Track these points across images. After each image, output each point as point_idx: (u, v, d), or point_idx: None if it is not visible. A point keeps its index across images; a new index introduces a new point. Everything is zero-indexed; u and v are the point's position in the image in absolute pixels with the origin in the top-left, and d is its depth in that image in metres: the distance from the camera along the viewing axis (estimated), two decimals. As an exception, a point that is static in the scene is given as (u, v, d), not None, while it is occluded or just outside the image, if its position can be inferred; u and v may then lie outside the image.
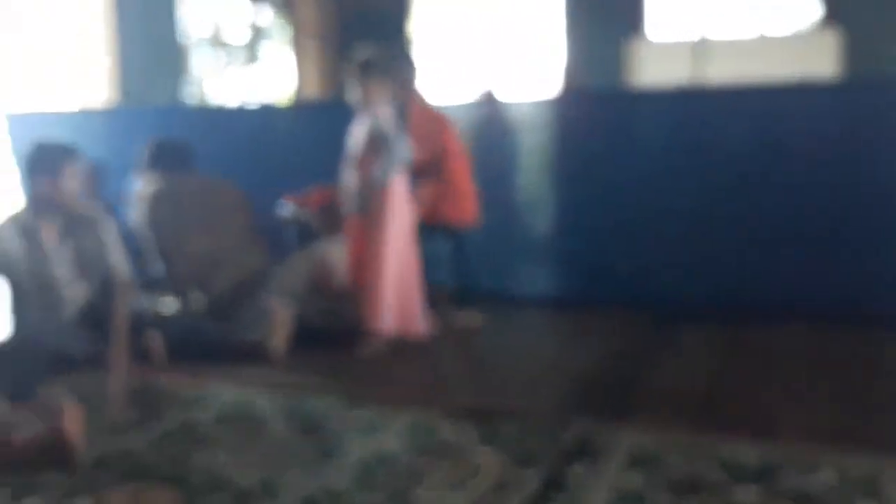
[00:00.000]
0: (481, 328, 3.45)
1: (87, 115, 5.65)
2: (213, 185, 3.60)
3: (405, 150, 3.16)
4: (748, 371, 2.81)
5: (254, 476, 1.87)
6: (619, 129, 3.90)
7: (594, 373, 2.84)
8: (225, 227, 3.44)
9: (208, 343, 3.10)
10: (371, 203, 3.11)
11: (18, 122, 5.40)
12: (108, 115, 5.59)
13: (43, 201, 2.90)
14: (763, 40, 8.24)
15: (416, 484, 1.81)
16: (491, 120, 4.28)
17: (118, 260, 3.05)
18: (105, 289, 3.03)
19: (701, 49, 7.96)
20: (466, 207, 3.58)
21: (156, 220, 3.42)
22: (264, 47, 7.76)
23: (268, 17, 7.79)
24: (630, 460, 1.94)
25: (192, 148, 3.63)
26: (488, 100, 4.78)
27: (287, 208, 3.74)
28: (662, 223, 3.77)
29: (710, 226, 3.66)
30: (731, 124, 3.66)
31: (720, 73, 7.44)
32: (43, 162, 2.86)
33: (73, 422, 1.88)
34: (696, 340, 3.23)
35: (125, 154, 4.69)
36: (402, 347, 3.15)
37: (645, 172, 3.82)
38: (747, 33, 8.25)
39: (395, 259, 3.13)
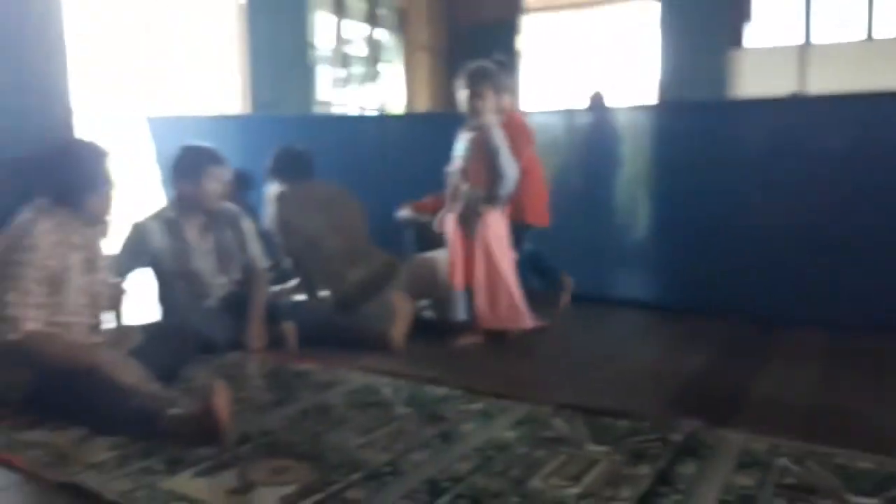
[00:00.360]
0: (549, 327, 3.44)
1: (221, 121, 5.96)
2: (334, 190, 3.72)
3: (513, 169, 3.18)
4: (859, 381, 2.67)
5: (382, 456, 1.93)
6: (719, 136, 3.79)
7: (701, 376, 2.77)
8: (347, 229, 3.56)
9: (334, 332, 3.20)
10: (476, 221, 3.19)
11: (158, 125, 5.75)
12: (240, 122, 5.87)
13: (187, 201, 3.09)
14: (869, 43, 7.77)
15: (533, 474, 1.83)
16: (599, 122, 4.26)
17: (254, 253, 3.24)
18: (244, 279, 3.23)
19: (805, 53, 7.58)
20: (542, 210, 3.71)
21: (285, 222, 3.58)
22: (381, 61, 7.95)
23: (384, 33, 7.97)
24: (741, 463, 1.89)
25: (311, 156, 3.75)
26: (597, 101, 4.76)
27: (405, 212, 3.85)
28: (767, 231, 3.65)
29: (819, 234, 3.51)
30: (834, 132, 3.49)
31: (825, 77, 7.07)
32: (189, 164, 3.04)
33: (222, 401, 1.98)
34: (805, 348, 3.11)
35: (256, 159, 4.95)
36: (503, 344, 3.18)
37: (747, 180, 3.70)
38: (852, 36, 7.79)
39: (493, 260, 3.18)
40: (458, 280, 3.21)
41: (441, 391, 2.49)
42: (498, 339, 3.23)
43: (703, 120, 3.92)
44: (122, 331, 2.61)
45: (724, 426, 2.13)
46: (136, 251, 3.03)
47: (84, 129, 4.86)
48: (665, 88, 7.62)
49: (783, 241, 3.58)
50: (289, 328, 3.09)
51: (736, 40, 7.71)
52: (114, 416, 2.07)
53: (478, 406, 2.33)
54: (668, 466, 1.87)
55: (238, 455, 1.95)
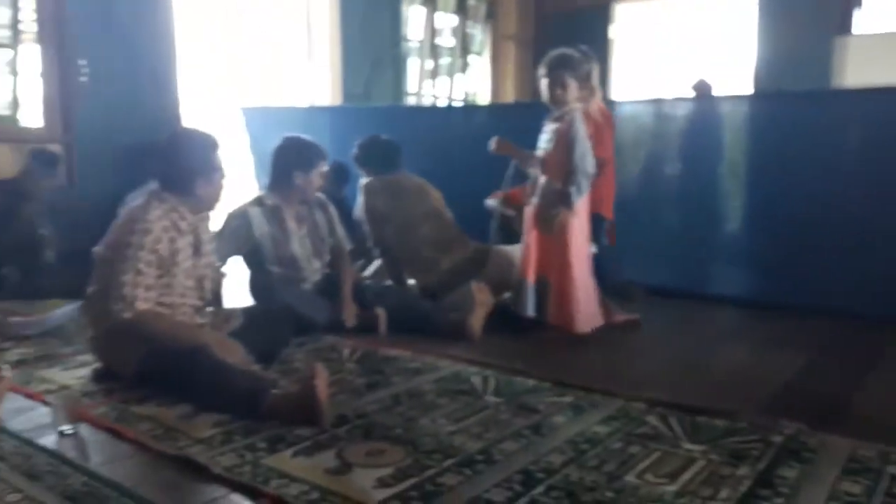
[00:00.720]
0: (641, 324, 3.36)
1: (312, 112, 6.11)
2: (416, 180, 3.73)
3: (588, 163, 3.07)
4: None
5: (474, 444, 1.94)
6: (822, 126, 3.62)
7: (802, 376, 2.66)
8: (436, 217, 3.60)
9: (413, 318, 3.24)
10: (552, 218, 3.11)
11: (251, 115, 5.95)
12: (330, 112, 6.00)
13: (294, 190, 3.20)
14: None
15: (627, 469, 1.80)
16: (698, 111, 4.13)
17: (341, 236, 3.35)
18: (334, 261, 3.33)
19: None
20: (610, 204, 3.63)
21: (373, 211, 3.64)
22: (469, 52, 7.95)
23: (473, 24, 7.96)
24: (847, 469, 1.80)
25: (397, 146, 3.77)
26: (702, 89, 4.63)
27: (493, 203, 3.84)
28: (874, 225, 3.46)
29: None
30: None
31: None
32: (303, 157, 3.16)
33: (321, 382, 2.04)
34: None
35: (345, 150, 5.04)
36: (591, 338, 3.13)
37: (851, 172, 3.52)
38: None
39: (568, 258, 3.11)
40: (529, 275, 3.15)
41: (530, 383, 2.48)
42: (580, 335, 3.16)
43: (805, 110, 3.74)
44: (224, 313, 2.72)
45: (828, 430, 2.04)
46: (241, 236, 3.15)
47: (189, 118, 5.10)
48: (762, 77, 7.29)
49: (891, 236, 3.38)
50: (380, 314, 3.15)
51: (844, 27, 7.28)
52: (218, 394, 2.16)
53: (567, 399, 2.32)
54: (769, 469, 1.81)
55: (335, 436, 2.00)
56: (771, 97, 4.41)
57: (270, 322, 2.80)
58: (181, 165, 2.51)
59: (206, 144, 2.56)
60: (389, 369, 2.67)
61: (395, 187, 3.67)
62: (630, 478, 1.75)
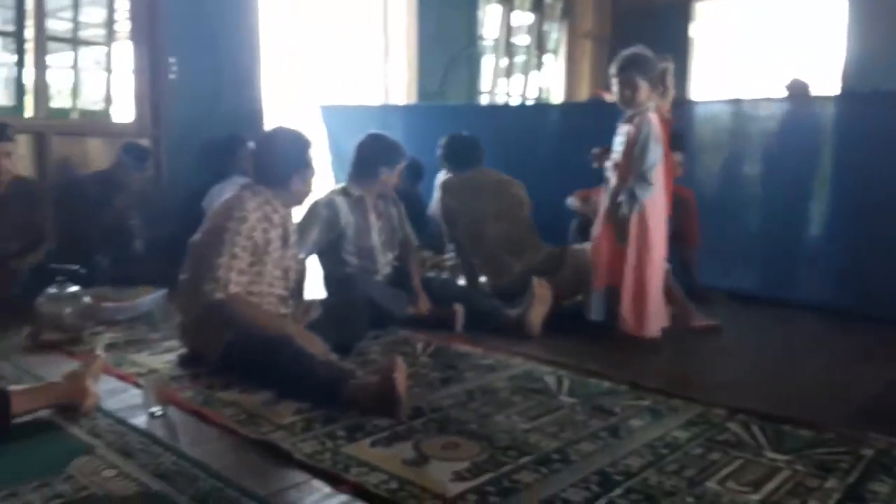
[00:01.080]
0: (720, 327, 3.25)
1: (387, 110, 6.19)
2: (501, 178, 3.72)
3: (651, 168, 2.96)
4: None
5: (550, 443, 1.93)
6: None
7: (892, 388, 2.54)
8: (512, 218, 3.56)
9: (479, 314, 3.24)
10: (622, 224, 3.03)
11: (329, 113, 6.06)
12: (406, 111, 6.06)
13: (376, 184, 3.26)
14: None
15: (708, 476, 1.76)
16: (786, 111, 3.98)
17: (409, 230, 3.47)
18: (402, 255, 3.38)
19: None
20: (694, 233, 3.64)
21: (448, 209, 3.66)
22: (544, 51, 7.89)
23: (549, 22, 7.90)
24: (945, 487, 1.71)
25: (479, 144, 3.77)
26: (797, 89, 4.48)
27: (571, 201, 3.81)
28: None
29: None
30: None
31: None
32: (390, 153, 3.27)
33: (400, 375, 2.07)
34: None
35: (419, 147, 5.09)
36: (668, 342, 3.06)
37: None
38: None
39: (641, 264, 3.01)
40: (598, 280, 3.09)
41: (605, 385, 2.45)
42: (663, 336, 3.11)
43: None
44: (305, 305, 2.79)
45: (922, 445, 1.94)
46: (329, 224, 3.23)
47: (271, 115, 5.24)
48: (851, 77, 6.96)
49: None
50: (458, 310, 3.16)
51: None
52: (299, 383, 2.22)
53: (645, 403, 2.28)
54: (859, 483, 1.74)
55: (412, 428, 2.03)
56: (862, 97, 4.21)
57: (347, 314, 2.86)
58: (279, 161, 2.61)
59: (301, 142, 2.66)
60: (462, 365, 2.68)
61: (470, 185, 3.68)
62: (711, 484, 1.71)
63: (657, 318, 3.02)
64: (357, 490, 1.66)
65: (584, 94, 7.95)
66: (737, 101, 4.23)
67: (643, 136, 2.91)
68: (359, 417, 2.08)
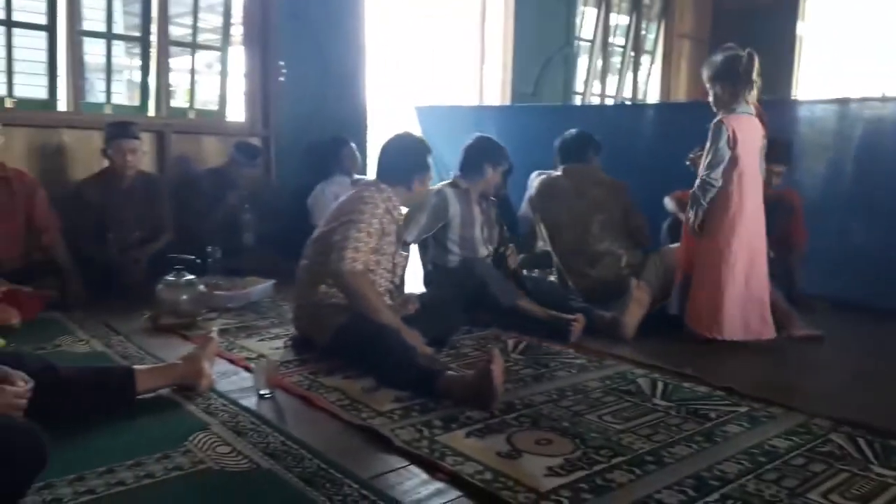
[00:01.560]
0: (823, 337, 3.09)
1: (481, 111, 6.22)
2: (601, 178, 3.60)
3: (713, 170, 2.95)
4: None
5: (643, 445, 1.91)
6: None
7: None
8: (600, 223, 3.46)
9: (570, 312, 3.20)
10: (689, 223, 3.04)
11: (425, 113, 6.15)
12: (499, 112, 6.07)
13: (481, 181, 3.42)
14: None
15: (810, 487, 1.69)
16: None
17: (504, 229, 3.59)
18: (499, 250, 3.43)
19: None
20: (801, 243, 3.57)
21: (533, 209, 3.63)
22: (641, 51, 7.73)
23: (647, 22, 7.72)
24: None
25: (585, 140, 3.66)
26: None
27: (669, 202, 3.72)
28: None
29: None
30: None
31: None
32: (499, 154, 3.45)
33: (497, 368, 2.10)
34: None
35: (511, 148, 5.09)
36: (765, 348, 2.96)
37: None
38: None
39: (718, 259, 2.96)
40: (678, 272, 3.13)
41: (701, 389, 2.40)
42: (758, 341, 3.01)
43: None
44: (404, 298, 2.87)
45: None
46: (439, 212, 3.36)
47: (373, 116, 5.37)
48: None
49: None
50: (580, 319, 3.06)
51: None
52: (400, 371, 2.28)
53: (742, 409, 2.21)
54: (977, 505, 1.63)
55: (504, 422, 2.05)
56: None
57: (443, 309, 2.91)
58: (403, 163, 2.76)
59: (423, 147, 2.85)
60: (553, 363, 2.68)
61: (555, 186, 3.60)
62: (814, 496, 1.65)
63: (735, 320, 2.96)
64: (453, 478, 1.70)
65: (681, 95, 7.73)
66: (843, 101, 4.01)
67: (709, 141, 2.95)
68: (453, 409, 2.12)
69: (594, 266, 3.43)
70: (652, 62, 7.91)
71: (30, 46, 4.81)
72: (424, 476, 1.73)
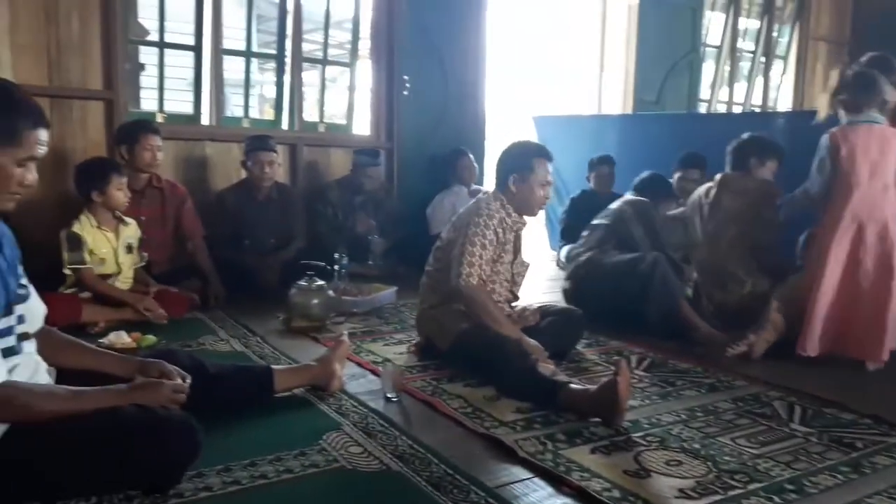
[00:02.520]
0: None
1: (601, 120, 6.13)
2: (748, 186, 3.36)
3: (811, 181, 2.94)
4: None
5: (782, 472, 1.81)
6: None
7: None
8: (738, 234, 3.29)
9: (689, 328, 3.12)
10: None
11: (543, 123, 6.12)
12: (618, 121, 5.96)
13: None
14: None
15: (977, 531, 1.54)
16: None
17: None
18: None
19: None
20: None
21: (689, 219, 3.48)
22: (771, 56, 7.36)
23: (778, 26, 7.35)
24: None
25: (742, 147, 3.45)
26: None
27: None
28: None
29: None
30: None
31: None
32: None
33: (624, 383, 2.05)
34: None
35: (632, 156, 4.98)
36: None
37: None
38: None
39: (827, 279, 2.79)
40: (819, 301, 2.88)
41: (845, 416, 2.24)
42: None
43: None
44: (527, 309, 2.86)
45: None
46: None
47: (492, 127, 5.42)
48: None
49: None
50: (757, 343, 2.91)
51: None
52: (521, 383, 2.28)
53: (893, 440, 2.05)
54: None
55: (630, 440, 2.00)
56: None
57: (565, 321, 2.88)
58: (504, 165, 2.74)
59: (523, 149, 2.77)
60: (680, 382, 2.59)
61: (701, 196, 3.46)
62: (983, 541, 1.50)
63: (813, 338, 2.82)
64: (580, 493, 1.68)
65: (815, 101, 7.28)
66: None
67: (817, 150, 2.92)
68: (577, 422, 2.10)
69: (720, 288, 3.28)
70: (784, 68, 7.51)
71: (178, 65, 5.20)
72: (550, 489, 1.72)
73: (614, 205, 3.71)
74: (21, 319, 1.60)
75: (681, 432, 2.08)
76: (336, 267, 3.71)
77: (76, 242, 3.09)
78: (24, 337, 1.61)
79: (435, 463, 1.81)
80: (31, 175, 1.53)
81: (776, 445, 2.00)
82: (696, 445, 1.98)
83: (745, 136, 3.48)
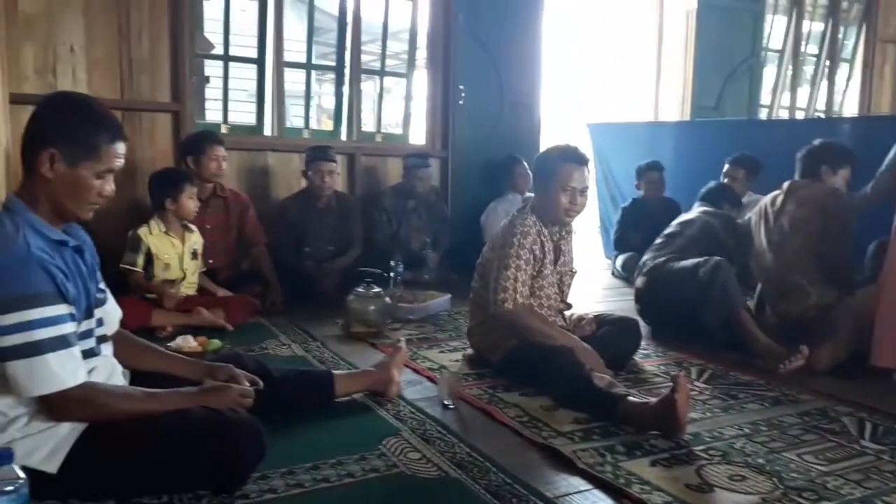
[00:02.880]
0: None
1: (656, 127, 6.04)
2: (817, 194, 3.21)
3: (881, 181, 2.82)
4: None
5: (852, 491, 1.75)
6: None
7: None
8: (804, 244, 3.17)
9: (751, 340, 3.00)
10: None
11: (598, 130, 6.07)
12: (675, 128, 5.85)
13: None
14: None
15: None
16: None
17: None
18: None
19: None
20: None
21: (754, 226, 3.39)
22: (836, 59, 7.13)
23: (843, 27, 7.12)
24: None
25: (809, 154, 3.32)
26: None
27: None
28: None
29: None
30: None
31: None
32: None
33: (683, 395, 2.02)
34: None
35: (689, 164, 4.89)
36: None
37: None
38: None
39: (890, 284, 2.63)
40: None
41: (913, 431, 2.15)
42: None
43: None
44: (581, 318, 2.84)
45: None
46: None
47: (547, 136, 5.40)
48: None
49: None
50: (823, 356, 2.82)
51: None
52: (577, 394, 2.26)
53: (970, 459, 1.96)
54: None
55: (692, 453, 1.97)
56: None
57: (621, 330, 2.85)
58: (534, 176, 2.75)
59: (550, 155, 2.67)
60: (743, 395, 2.53)
61: (766, 203, 3.36)
62: None
63: (880, 347, 2.64)
64: (640, 507, 1.66)
65: (885, 107, 7.02)
66: None
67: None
68: (636, 435, 2.07)
69: (783, 298, 3.16)
70: (850, 71, 7.26)
71: (241, 77, 5.35)
72: (609, 501, 1.70)
73: (691, 215, 3.62)
74: (100, 323, 1.68)
75: (744, 446, 2.03)
76: (392, 274, 3.75)
77: (135, 244, 3.22)
78: (102, 339, 1.69)
79: (493, 471, 1.82)
80: (109, 186, 1.60)
81: (846, 463, 1.93)
82: (761, 460, 1.93)
83: (817, 142, 3.34)
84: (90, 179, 1.55)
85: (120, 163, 1.60)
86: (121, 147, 1.59)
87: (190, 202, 3.31)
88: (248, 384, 1.79)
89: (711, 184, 3.84)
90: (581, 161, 2.60)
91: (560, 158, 2.61)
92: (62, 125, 1.52)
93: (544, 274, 2.67)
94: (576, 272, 2.91)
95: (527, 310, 2.60)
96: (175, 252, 3.32)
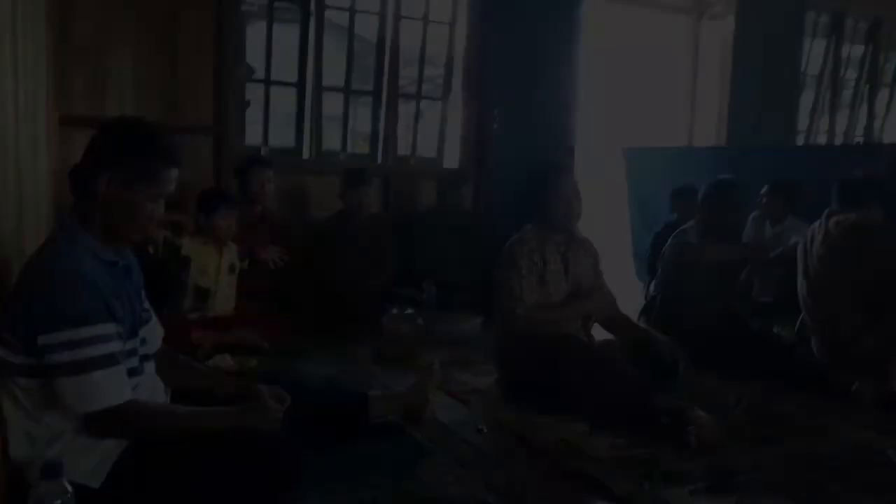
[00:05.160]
0: None
1: (695, 153, 5.98)
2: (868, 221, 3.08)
3: None
4: None
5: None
6: None
7: None
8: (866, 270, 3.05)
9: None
10: None
11: (636, 155, 6.03)
12: (714, 154, 5.78)
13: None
14: None
15: None
16: None
17: None
18: None
19: None
20: None
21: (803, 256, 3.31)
22: (879, 82, 7.01)
23: (885, 50, 7.00)
24: None
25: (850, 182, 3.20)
26: None
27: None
28: None
29: None
30: None
31: None
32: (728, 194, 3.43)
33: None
34: None
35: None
36: None
37: None
38: None
39: None
40: None
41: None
42: None
43: None
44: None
45: None
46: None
47: (581, 159, 5.38)
48: None
49: None
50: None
51: None
52: (612, 411, 2.24)
53: None
54: None
55: (732, 482, 1.93)
56: None
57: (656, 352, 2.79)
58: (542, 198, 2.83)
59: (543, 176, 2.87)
60: (783, 425, 2.47)
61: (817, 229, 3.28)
62: None
63: None
64: (679, 537, 1.62)
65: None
66: None
67: None
68: (676, 464, 2.03)
69: (829, 331, 3.06)
70: (891, 96, 7.13)
71: (281, 100, 5.44)
72: (647, 530, 1.68)
73: None
74: (144, 341, 1.71)
75: (784, 478, 1.98)
76: (424, 296, 3.76)
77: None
78: (145, 358, 1.72)
79: (529, 496, 1.80)
80: (160, 209, 1.64)
81: (891, 496, 1.87)
82: (804, 494, 1.88)
83: (859, 171, 3.26)
84: (144, 203, 1.58)
85: (173, 187, 1.63)
86: (175, 172, 1.63)
87: (222, 223, 3.30)
88: (283, 404, 1.79)
89: None
90: (561, 169, 2.97)
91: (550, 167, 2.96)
92: (121, 148, 1.56)
93: (547, 279, 2.75)
94: (611, 296, 2.90)
95: (532, 311, 2.68)
96: (211, 259, 3.33)
